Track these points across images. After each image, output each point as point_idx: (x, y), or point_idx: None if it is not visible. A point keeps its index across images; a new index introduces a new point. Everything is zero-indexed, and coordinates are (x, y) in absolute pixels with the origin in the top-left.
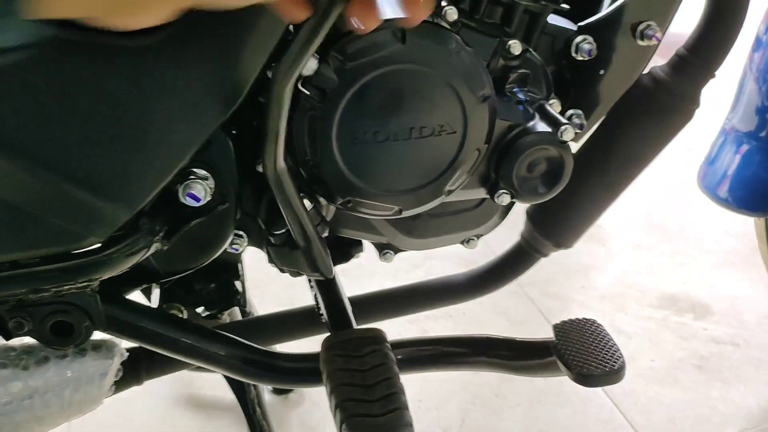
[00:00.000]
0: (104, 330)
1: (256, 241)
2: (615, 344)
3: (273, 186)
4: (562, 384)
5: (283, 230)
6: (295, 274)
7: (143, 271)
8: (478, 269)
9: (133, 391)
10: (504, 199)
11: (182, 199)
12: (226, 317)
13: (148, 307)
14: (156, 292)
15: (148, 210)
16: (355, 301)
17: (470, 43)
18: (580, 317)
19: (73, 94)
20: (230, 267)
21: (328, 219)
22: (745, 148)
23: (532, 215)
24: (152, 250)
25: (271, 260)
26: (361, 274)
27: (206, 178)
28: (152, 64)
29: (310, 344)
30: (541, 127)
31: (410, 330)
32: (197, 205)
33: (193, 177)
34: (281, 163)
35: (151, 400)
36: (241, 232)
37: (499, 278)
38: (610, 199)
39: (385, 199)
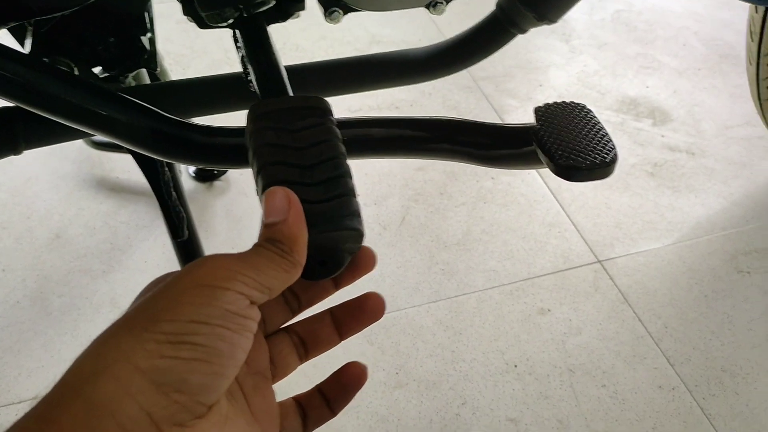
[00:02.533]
0: None
1: None
2: (607, 134)
3: None
4: (510, 185)
5: None
6: (217, 17)
7: (8, 3)
8: (442, 44)
9: (33, 170)
10: None
11: None
12: (130, 81)
13: (20, 52)
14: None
15: None
16: (291, 71)
17: None
18: (567, 101)
19: None
20: (135, 18)
21: None
22: None
23: None
24: None
25: (187, 11)
26: (299, 58)
27: None
28: None
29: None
30: None
31: None
32: None
33: None
34: None
35: (55, 180)
36: None
37: (465, 55)
38: None
39: None
